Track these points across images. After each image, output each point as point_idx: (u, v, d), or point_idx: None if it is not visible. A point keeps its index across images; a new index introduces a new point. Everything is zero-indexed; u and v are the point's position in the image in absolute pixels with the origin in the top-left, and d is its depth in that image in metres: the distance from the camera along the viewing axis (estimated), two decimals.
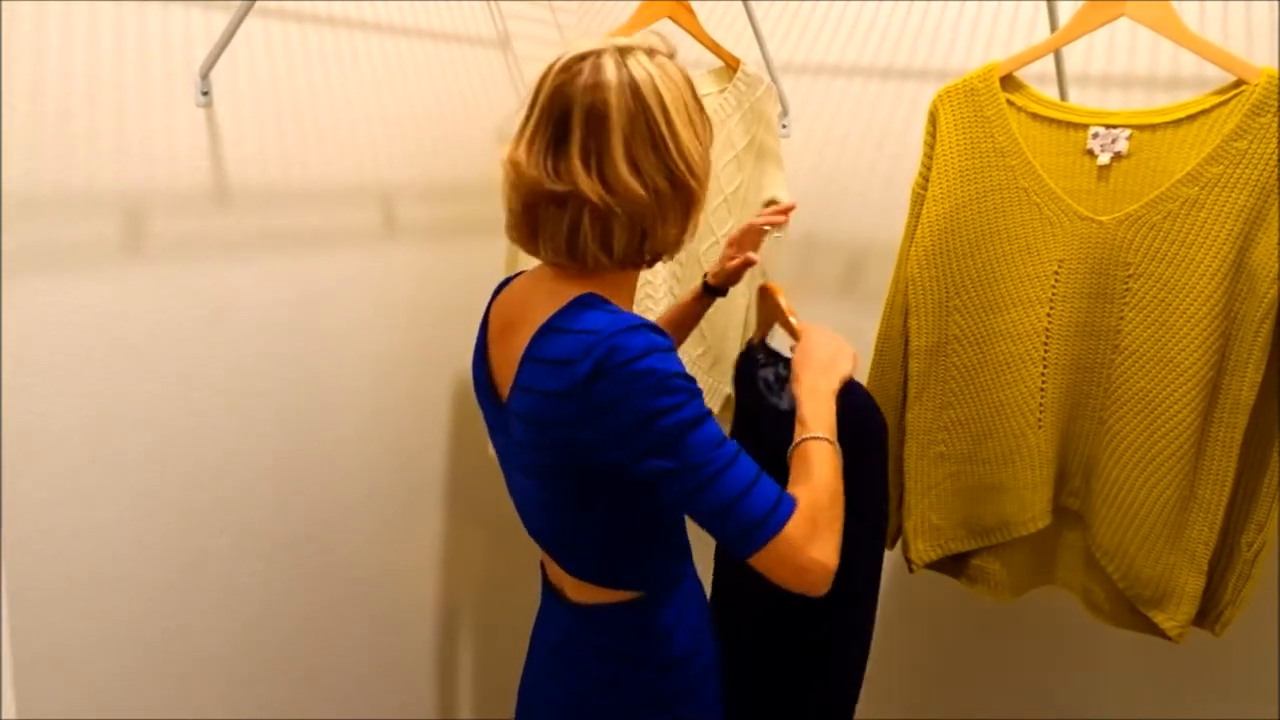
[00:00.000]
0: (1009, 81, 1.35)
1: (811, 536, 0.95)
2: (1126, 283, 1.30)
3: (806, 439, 1.07)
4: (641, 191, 0.99)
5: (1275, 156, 1.18)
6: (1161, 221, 1.26)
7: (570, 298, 1.04)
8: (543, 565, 1.25)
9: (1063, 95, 1.44)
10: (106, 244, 1.25)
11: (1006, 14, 1.54)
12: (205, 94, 1.31)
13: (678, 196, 1.03)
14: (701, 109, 1.07)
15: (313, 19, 1.47)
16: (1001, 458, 1.42)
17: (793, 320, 1.32)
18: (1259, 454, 1.29)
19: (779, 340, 1.41)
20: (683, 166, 1.02)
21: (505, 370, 1.10)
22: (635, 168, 0.99)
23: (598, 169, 0.99)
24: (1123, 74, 1.48)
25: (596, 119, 0.98)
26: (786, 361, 1.35)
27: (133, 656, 1.36)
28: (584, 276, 1.06)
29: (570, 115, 0.99)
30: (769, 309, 1.40)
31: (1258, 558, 1.30)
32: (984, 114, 1.35)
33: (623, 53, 1.01)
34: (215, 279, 1.39)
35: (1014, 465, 1.41)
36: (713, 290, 1.41)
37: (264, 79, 1.40)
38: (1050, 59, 1.40)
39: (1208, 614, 1.36)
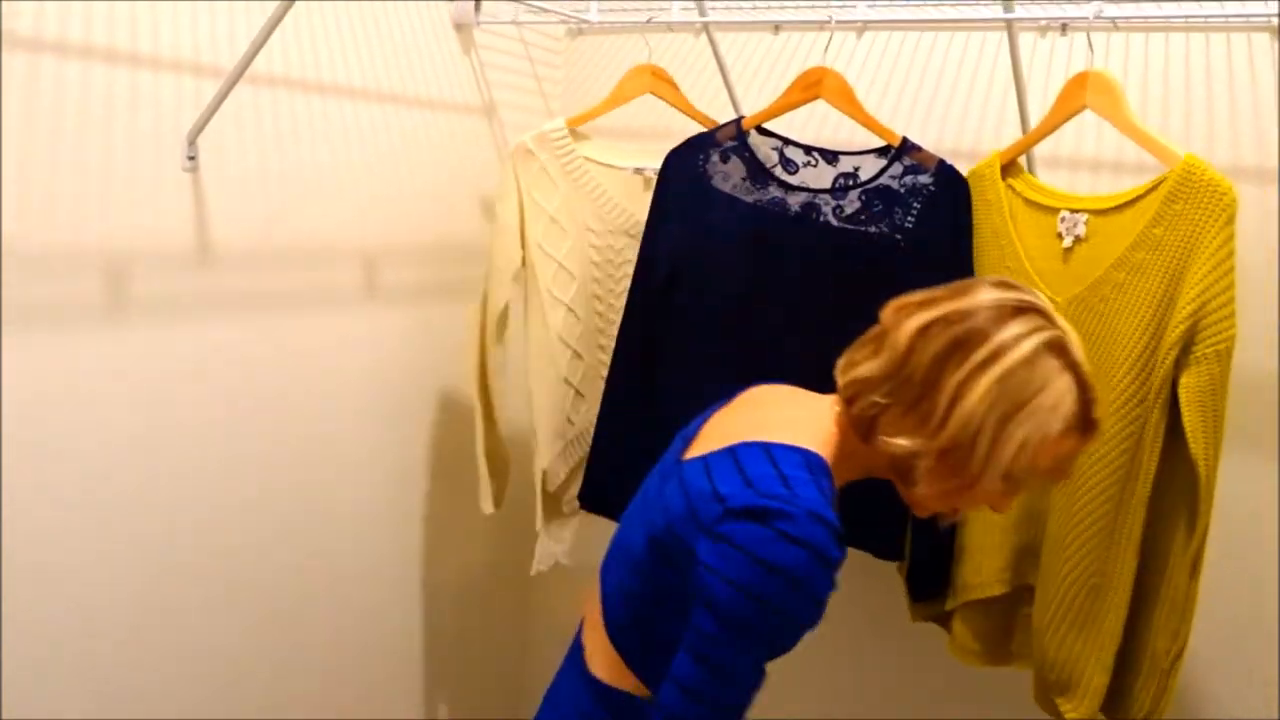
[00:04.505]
0: (1011, 167, 1.42)
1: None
2: None
3: None
4: None
5: (1185, 243, 1.19)
6: (1098, 304, 1.29)
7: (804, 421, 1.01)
8: (580, 643, 1.16)
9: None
10: (90, 303, 1.27)
11: (977, 102, 1.65)
12: (192, 158, 1.35)
13: None
14: None
15: (301, 85, 1.50)
16: (968, 518, 1.46)
17: None
18: (1165, 560, 1.27)
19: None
20: None
21: (712, 434, 1.05)
22: None
23: None
24: (1107, 158, 1.54)
25: None
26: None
27: (106, 708, 1.38)
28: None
29: None
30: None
31: (1175, 667, 1.26)
32: (986, 197, 1.43)
33: None
34: (198, 340, 1.41)
35: (973, 526, 1.44)
36: None
37: (250, 144, 1.44)
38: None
39: None
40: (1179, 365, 1.20)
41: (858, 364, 1.01)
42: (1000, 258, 1.40)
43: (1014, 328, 0.92)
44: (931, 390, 0.93)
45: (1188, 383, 1.19)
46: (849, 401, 1.00)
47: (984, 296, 0.95)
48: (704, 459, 0.99)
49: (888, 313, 1.01)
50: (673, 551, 0.97)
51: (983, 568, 1.42)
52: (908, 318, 0.97)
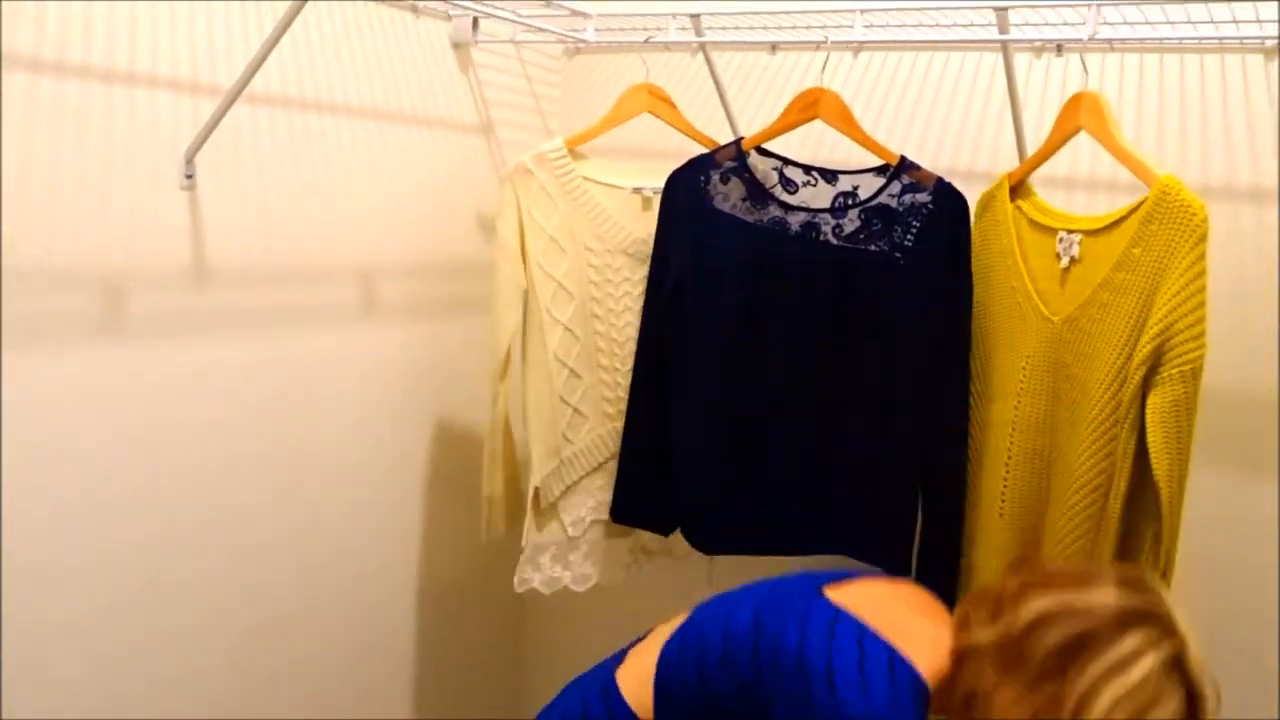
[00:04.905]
0: (1020, 189, 1.44)
1: None
2: (1064, 383, 1.34)
3: None
4: None
5: (1158, 263, 1.20)
6: (1087, 324, 1.30)
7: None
8: (627, 650, 1.24)
9: None
10: (87, 320, 1.28)
11: (973, 121, 1.66)
12: (189, 177, 1.36)
13: None
14: None
15: (299, 104, 1.52)
16: (974, 540, 1.46)
17: None
18: None
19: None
20: None
21: (859, 594, 1.10)
22: None
23: None
24: (1103, 177, 1.55)
25: None
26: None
27: (106, 708, 1.38)
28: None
29: None
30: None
31: None
32: (996, 218, 1.45)
33: None
34: (196, 356, 1.42)
35: (982, 548, 1.45)
36: None
37: (248, 162, 1.45)
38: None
39: None
40: (1147, 385, 1.21)
41: (971, 625, 1.02)
42: (1006, 277, 1.42)
43: (1136, 638, 0.93)
44: (1048, 684, 0.94)
45: (1154, 403, 1.20)
46: (958, 660, 1.01)
47: (1108, 596, 0.96)
48: (835, 615, 1.04)
49: (1009, 579, 1.02)
50: (762, 648, 1.03)
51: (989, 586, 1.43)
52: (1028, 598, 0.98)
